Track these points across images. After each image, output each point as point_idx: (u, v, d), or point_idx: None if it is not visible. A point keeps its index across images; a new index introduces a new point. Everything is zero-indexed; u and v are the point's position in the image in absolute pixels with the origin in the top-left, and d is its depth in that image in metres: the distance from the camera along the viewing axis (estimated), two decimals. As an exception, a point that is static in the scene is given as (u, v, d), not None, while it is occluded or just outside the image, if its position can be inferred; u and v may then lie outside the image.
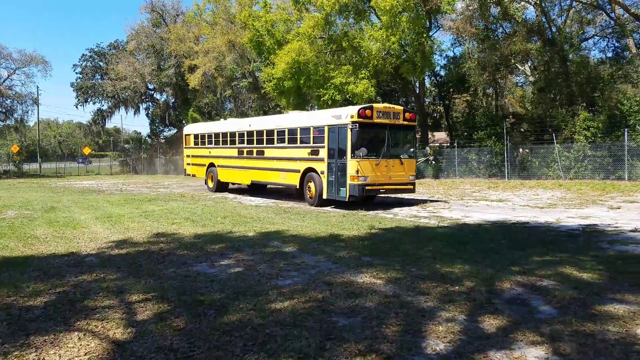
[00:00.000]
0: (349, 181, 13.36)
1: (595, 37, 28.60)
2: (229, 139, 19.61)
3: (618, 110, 21.74)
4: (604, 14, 25.81)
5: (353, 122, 13.24)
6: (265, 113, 37.14)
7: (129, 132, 63.40)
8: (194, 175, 22.98)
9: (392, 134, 14.14)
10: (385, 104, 14.60)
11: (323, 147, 14.39)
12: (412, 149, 15.17)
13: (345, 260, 6.94)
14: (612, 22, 25.21)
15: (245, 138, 18.51)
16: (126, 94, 49.27)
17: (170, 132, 56.24)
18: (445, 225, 10.37)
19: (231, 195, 18.99)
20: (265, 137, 17.38)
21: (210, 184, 20.99)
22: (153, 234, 9.55)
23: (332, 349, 3.85)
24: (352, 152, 13.33)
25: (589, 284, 5.58)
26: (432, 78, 36.96)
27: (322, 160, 14.42)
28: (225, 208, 14.10)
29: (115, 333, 4.28)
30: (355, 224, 10.54)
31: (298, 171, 15.50)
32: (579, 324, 4.30)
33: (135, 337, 4.20)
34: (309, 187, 15.08)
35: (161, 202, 16.16)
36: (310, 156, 14.94)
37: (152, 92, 52.51)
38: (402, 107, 14.76)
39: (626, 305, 4.77)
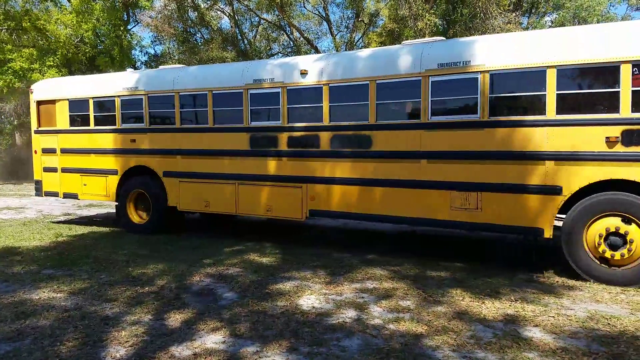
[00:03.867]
0: None
1: (280, 54, 32.90)
2: (211, 109, 8.14)
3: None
4: (286, 35, 29.96)
5: None
6: None
7: None
8: (70, 196, 9.88)
9: None
10: None
11: None
12: None
13: (19, 277, 5.96)
14: (292, 42, 29.50)
15: (298, 107, 7.48)
16: None
17: None
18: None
19: None
20: (399, 101, 6.87)
21: (135, 216, 9.22)
22: None
23: (-15, 384, 3.24)
24: None
25: (267, 267, 6.37)
26: (134, 74, 35.39)
27: None
28: None
29: None
30: (38, 232, 9.16)
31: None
32: (254, 304, 4.86)
33: None
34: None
35: None
36: None
37: None
38: None
39: (292, 281, 5.66)
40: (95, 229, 9.70)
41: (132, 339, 4.00)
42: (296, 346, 3.85)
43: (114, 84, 9.23)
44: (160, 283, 5.63)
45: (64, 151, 9.93)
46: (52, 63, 23.30)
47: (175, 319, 4.46)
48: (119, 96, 9.06)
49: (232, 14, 26.91)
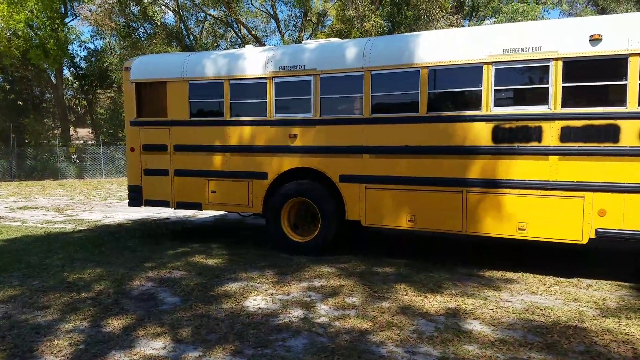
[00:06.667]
0: None
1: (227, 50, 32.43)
2: (424, 92, 6.16)
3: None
4: (233, 32, 29.53)
5: None
6: None
7: None
8: (187, 205, 7.80)
9: None
10: None
11: None
12: None
13: (-61, 286, 5.51)
14: (240, 39, 29.12)
15: (580, 86, 5.54)
16: None
17: None
18: (83, 228, 9.64)
19: None
20: None
21: (290, 232, 7.16)
22: None
23: None
24: None
25: (212, 268, 6.22)
26: (73, 69, 33.73)
27: None
28: None
29: None
30: (-38, 238, 8.52)
31: None
32: (198, 307, 4.73)
33: None
34: None
35: None
36: None
37: None
38: None
39: (239, 283, 5.56)
40: (28, 232, 9.13)
41: (65, 348, 3.78)
42: (240, 349, 3.78)
43: (265, 61, 7.07)
44: (98, 288, 5.37)
45: (180, 148, 7.63)
46: (-21, 56, 21.87)
47: (113, 326, 4.26)
48: (272, 77, 6.96)
49: (176, 8, 26.21)
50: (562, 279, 5.71)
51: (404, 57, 6.27)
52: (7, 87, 29.89)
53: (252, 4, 27.28)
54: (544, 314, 4.53)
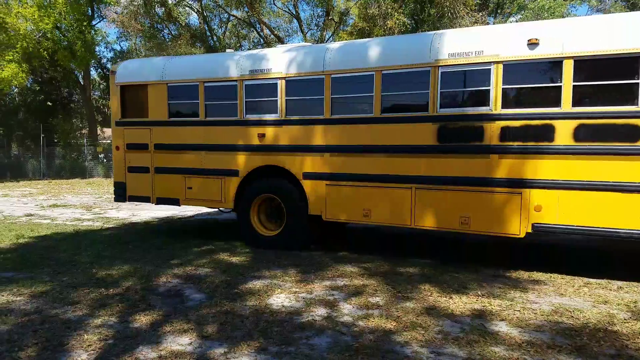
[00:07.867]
0: None
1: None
2: (378, 94, 6.49)
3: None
4: (256, 32, 29.76)
5: None
6: None
7: None
8: (167, 201, 8.11)
9: None
10: None
11: None
12: None
13: (-26, 281, 5.71)
14: (262, 39, 29.33)
15: (518, 88, 5.85)
16: None
17: None
18: (111, 226, 9.86)
19: None
20: None
21: (260, 227, 7.62)
22: None
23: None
24: None
25: (236, 266, 6.29)
26: (100, 70, 34.50)
27: None
28: None
29: None
30: (-3, 234, 8.81)
31: None
32: (223, 304, 4.78)
33: None
34: None
35: None
36: None
37: None
38: None
39: (262, 281, 5.60)
40: (58, 230, 9.38)
41: (95, 343, 3.87)
42: (265, 346, 3.80)
43: (236, 64, 7.40)
44: (126, 284, 5.48)
45: (160, 147, 8.02)
46: (11, 58, 22.54)
47: (140, 321, 4.34)
48: (242, 80, 7.30)
49: (200, 10, 26.53)
50: (592, 280, 5.58)
51: (360, 61, 6.61)
52: (37, 88, 30.75)
53: (274, 4, 27.45)
54: (572, 316, 4.43)
